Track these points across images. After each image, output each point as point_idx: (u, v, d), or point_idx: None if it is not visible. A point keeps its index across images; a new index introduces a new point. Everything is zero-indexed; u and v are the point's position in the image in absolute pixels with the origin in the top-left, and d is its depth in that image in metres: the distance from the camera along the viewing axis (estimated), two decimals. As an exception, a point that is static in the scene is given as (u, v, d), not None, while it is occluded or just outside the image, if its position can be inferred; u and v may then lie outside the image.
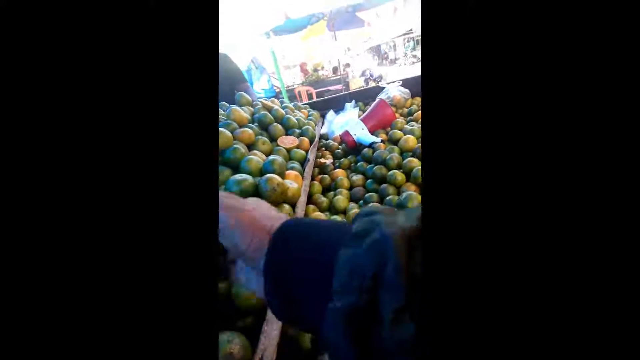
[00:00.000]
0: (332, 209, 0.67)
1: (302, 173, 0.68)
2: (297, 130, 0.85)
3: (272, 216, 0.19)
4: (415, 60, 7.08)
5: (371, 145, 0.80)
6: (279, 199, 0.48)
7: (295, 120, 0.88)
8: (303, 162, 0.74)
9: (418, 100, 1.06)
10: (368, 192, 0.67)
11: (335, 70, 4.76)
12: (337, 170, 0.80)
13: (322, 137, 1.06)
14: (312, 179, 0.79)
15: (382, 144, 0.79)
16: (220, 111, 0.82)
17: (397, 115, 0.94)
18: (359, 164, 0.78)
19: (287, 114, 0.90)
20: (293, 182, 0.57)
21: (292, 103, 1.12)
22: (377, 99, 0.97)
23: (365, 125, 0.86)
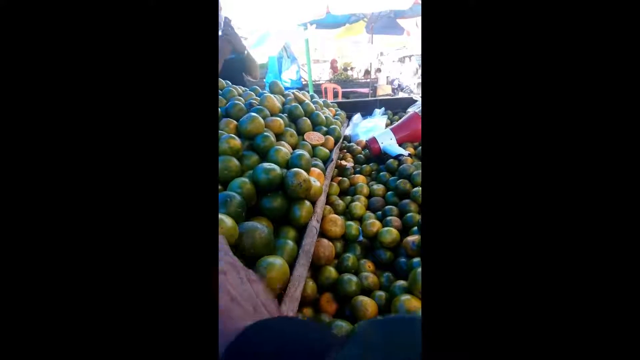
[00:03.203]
0: (347, 214, 0.65)
1: (324, 172, 0.67)
2: (324, 128, 0.84)
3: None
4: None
5: (397, 157, 0.79)
6: (302, 194, 0.47)
7: (324, 118, 0.87)
8: (325, 161, 0.73)
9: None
10: (388, 204, 0.66)
11: (366, 73, 4.72)
12: (357, 175, 0.79)
13: (344, 138, 1.04)
14: (331, 179, 0.77)
15: (409, 157, 0.77)
16: (253, 95, 0.81)
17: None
18: (381, 173, 0.77)
19: (316, 109, 0.89)
20: (316, 180, 0.56)
21: (322, 100, 1.11)
22: (411, 112, 0.95)
23: (395, 135, 0.84)
